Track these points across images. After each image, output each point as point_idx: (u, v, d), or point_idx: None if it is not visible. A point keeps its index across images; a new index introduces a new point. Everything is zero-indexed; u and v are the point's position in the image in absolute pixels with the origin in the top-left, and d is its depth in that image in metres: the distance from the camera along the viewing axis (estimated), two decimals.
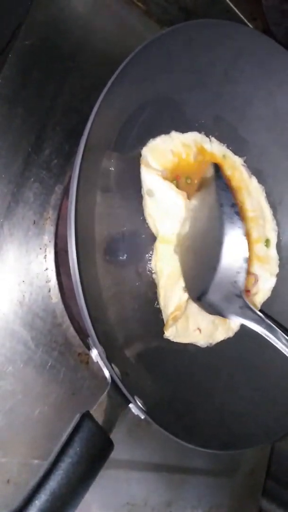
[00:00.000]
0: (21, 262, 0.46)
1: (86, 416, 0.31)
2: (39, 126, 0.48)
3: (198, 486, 0.59)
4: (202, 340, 0.56)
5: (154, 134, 0.50)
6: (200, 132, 0.55)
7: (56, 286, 0.47)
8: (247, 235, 0.59)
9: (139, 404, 0.37)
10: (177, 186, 0.51)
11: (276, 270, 0.62)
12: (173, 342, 0.52)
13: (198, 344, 0.55)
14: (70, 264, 0.33)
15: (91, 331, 0.32)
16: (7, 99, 0.46)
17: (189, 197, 0.51)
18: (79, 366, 0.48)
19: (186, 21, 0.51)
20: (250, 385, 0.52)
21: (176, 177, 0.51)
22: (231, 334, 0.58)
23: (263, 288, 0.61)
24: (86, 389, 0.48)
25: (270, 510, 0.71)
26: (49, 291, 0.47)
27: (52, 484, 0.28)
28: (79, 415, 0.31)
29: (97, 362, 0.35)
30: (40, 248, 0.47)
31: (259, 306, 0.61)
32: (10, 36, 0.56)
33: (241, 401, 0.50)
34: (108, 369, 0.34)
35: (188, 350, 0.53)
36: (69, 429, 0.31)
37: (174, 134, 0.52)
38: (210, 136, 0.56)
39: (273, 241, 0.63)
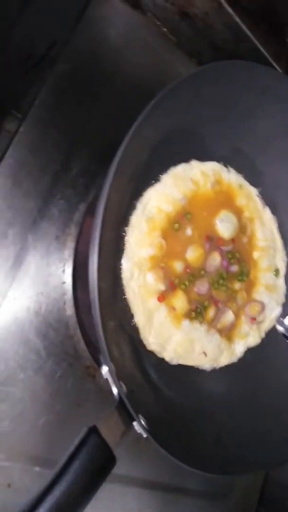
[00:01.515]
0: (41, 275, 0.48)
1: (93, 430, 0.33)
2: (69, 147, 0.51)
3: (191, 507, 0.60)
4: (207, 363, 0.57)
5: (175, 162, 0.53)
6: (219, 162, 0.57)
7: (71, 300, 0.50)
8: (256, 263, 0.62)
9: (143, 423, 0.39)
10: (179, 228, 0.53)
11: (283, 299, 0.64)
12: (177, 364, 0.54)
13: (203, 368, 0.57)
14: (90, 280, 0.35)
15: (104, 348, 0.34)
16: (42, 120, 0.49)
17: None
18: (86, 379, 0.50)
19: (215, 60, 0.54)
20: (250, 413, 0.53)
21: (180, 219, 0.53)
22: (235, 360, 0.60)
23: (269, 316, 0.63)
24: (91, 402, 0.49)
25: None
26: (65, 303, 0.49)
27: (57, 493, 0.30)
28: (86, 429, 0.33)
29: (106, 378, 0.37)
30: (60, 262, 0.49)
31: (263, 334, 0.63)
32: (45, 53, 0.60)
33: (240, 428, 0.51)
34: (117, 386, 0.36)
35: (191, 373, 0.55)
36: (75, 441, 0.33)
37: (194, 163, 0.54)
38: (228, 166, 0.58)
39: (282, 271, 0.64)
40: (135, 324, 0.51)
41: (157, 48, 0.59)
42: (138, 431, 0.39)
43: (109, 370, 0.36)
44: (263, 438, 0.51)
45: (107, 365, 0.36)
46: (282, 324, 0.63)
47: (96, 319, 0.35)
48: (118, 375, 0.38)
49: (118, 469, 0.53)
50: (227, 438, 0.49)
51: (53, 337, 0.48)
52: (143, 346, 0.51)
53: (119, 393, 0.36)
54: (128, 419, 0.37)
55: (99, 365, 0.42)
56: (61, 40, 0.54)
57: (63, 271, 0.49)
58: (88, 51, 0.53)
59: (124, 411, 0.37)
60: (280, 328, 0.63)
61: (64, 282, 0.49)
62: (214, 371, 0.57)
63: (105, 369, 0.37)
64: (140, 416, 0.39)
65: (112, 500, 0.53)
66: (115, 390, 0.36)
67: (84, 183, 0.51)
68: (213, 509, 0.63)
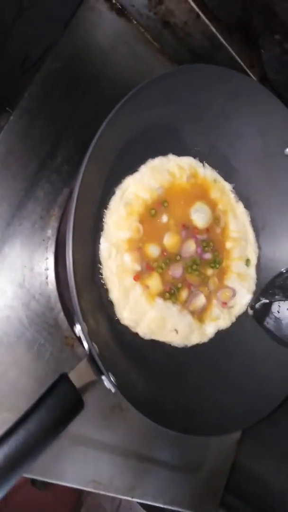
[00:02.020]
0: (26, 250, 0.53)
1: (63, 376, 0.38)
2: (55, 137, 0.56)
3: (162, 478, 0.64)
4: (178, 340, 0.62)
5: (153, 155, 0.58)
6: (195, 158, 0.62)
7: (53, 275, 0.54)
8: (228, 253, 0.67)
9: (112, 379, 0.43)
10: (155, 214, 0.58)
11: (253, 288, 0.69)
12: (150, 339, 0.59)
13: (174, 344, 0.62)
14: (66, 250, 0.39)
15: (77, 308, 0.39)
16: (30, 111, 0.54)
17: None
18: (65, 348, 0.55)
19: (191, 63, 0.60)
20: (214, 386, 0.58)
21: (157, 206, 0.58)
22: (205, 340, 0.65)
23: (240, 302, 0.68)
24: (69, 369, 0.54)
25: None
26: (47, 278, 0.54)
27: (28, 425, 0.34)
28: (58, 375, 0.38)
29: (79, 336, 0.42)
30: (44, 240, 0.54)
31: (234, 318, 0.67)
32: (40, 56, 0.65)
33: (205, 397, 0.56)
34: (87, 342, 0.40)
35: (164, 346, 0.59)
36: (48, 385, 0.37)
37: (171, 157, 0.59)
38: (204, 162, 0.63)
39: (253, 261, 0.69)
40: (111, 299, 0.55)
41: (141, 53, 0.65)
42: (108, 387, 0.43)
43: (81, 328, 0.40)
44: (223, 408, 0.55)
45: (80, 323, 0.40)
46: (253, 308, 0.68)
47: (70, 282, 0.39)
48: (90, 335, 0.43)
49: (93, 434, 0.58)
50: (193, 405, 0.54)
51: (35, 308, 0.53)
52: (118, 320, 0.56)
53: (89, 348, 0.40)
54: (98, 371, 0.41)
55: (74, 326, 0.46)
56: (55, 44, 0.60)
57: (46, 248, 0.54)
58: (76, 52, 0.59)
59: (95, 365, 0.41)
60: (250, 312, 0.67)
61: (47, 258, 0.54)
62: (185, 348, 0.62)
63: (78, 328, 0.41)
64: (110, 373, 0.44)
65: (85, 463, 0.57)
66: (86, 345, 0.40)
67: (68, 170, 0.56)
68: (183, 483, 0.67)
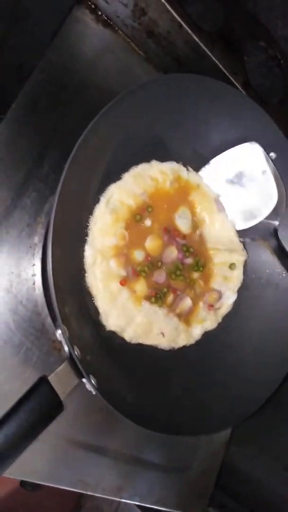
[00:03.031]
0: (13, 257, 0.54)
1: (43, 379, 0.39)
2: (42, 146, 0.57)
3: (149, 478, 0.65)
4: (165, 343, 0.63)
5: (137, 162, 0.59)
6: (178, 162, 0.64)
7: (40, 280, 0.56)
8: (211, 257, 0.68)
9: (93, 382, 0.45)
10: (140, 219, 0.60)
11: (238, 286, 0.70)
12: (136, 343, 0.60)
13: (161, 347, 0.63)
14: (47, 256, 0.41)
15: (57, 312, 0.40)
16: (18, 121, 0.56)
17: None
18: (52, 352, 0.56)
19: (176, 71, 0.62)
20: (199, 387, 0.59)
21: (142, 212, 0.60)
22: (192, 341, 0.66)
23: (226, 303, 0.69)
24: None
25: None
26: (34, 283, 0.55)
27: (6, 428, 0.35)
28: (38, 378, 0.39)
29: (61, 341, 0.43)
30: (30, 247, 0.56)
31: (220, 319, 0.68)
32: (34, 65, 0.67)
33: (189, 398, 0.57)
34: (67, 346, 0.42)
35: (150, 349, 0.61)
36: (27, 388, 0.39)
37: (154, 163, 0.61)
38: (188, 166, 0.65)
39: (238, 264, 0.70)
40: (96, 306, 0.57)
41: (126, 62, 0.67)
42: (88, 389, 0.45)
43: (61, 332, 0.42)
44: (211, 408, 0.56)
45: (60, 327, 0.42)
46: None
47: (50, 287, 0.41)
48: (72, 340, 0.44)
49: (81, 436, 0.59)
50: (178, 406, 0.55)
51: (23, 313, 0.54)
52: (103, 326, 0.57)
53: (69, 352, 0.42)
54: (79, 374, 0.42)
55: (56, 330, 0.48)
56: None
57: (33, 254, 0.56)
58: (63, 63, 0.61)
59: (76, 368, 0.42)
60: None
61: (34, 265, 0.55)
62: (172, 351, 0.63)
63: (58, 332, 0.43)
64: (91, 376, 0.45)
65: (73, 466, 0.58)
66: (66, 349, 0.42)
67: (54, 179, 0.58)
68: (171, 483, 0.68)
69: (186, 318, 0.65)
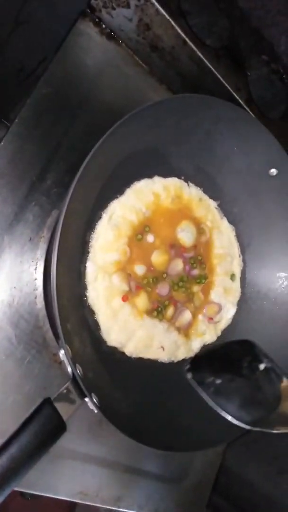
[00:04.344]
0: (15, 271, 0.55)
1: (47, 400, 0.40)
2: (45, 160, 0.58)
3: (147, 488, 0.66)
4: (165, 356, 0.64)
5: (139, 178, 0.60)
6: (179, 178, 0.64)
7: (42, 295, 0.56)
8: (213, 269, 0.69)
9: (95, 400, 0.45)
10: (142, 239, 0.60)
11: (237, 300, 0.71)
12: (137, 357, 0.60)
13: (161, 360, 0.63)
14: (51, 276, 0.41)
15: (60, 332, 0.41)
16: (21, 136, 0.56)
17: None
18: (53, 365, 0.57)
19: (183, 87, 0.62)
20: (196, 402, 0.59)
21: (142, 230, 0.60)
22: (191, 354, 0.66)
23: (226, 316, 0.70)
24: (57, 386, 0.55)
25: None
26: (35, 297, 0.56)
27: (11, 450, 0.36)
28: (41, 400, 0.40)
29: (63, 360, 0.44)
30: (33, 261, 0.56)
31: (220, 333, 0.69)
32: (34, 68, 0.67)
33: (187, 413, 0.57)
34: (71, 366, 0.42)
35: (150, 364, 0.61)
36: (31, 410, 0.39)
37: (156, 179, 0.61)
38: (189, 182, 0.65)
39: (238, 275, 0.71)
40: (97, 322, 0.57)
41: (130, 75, 0.67)
42: (91, 407, 0.45)
43: (65, 352, 0.42)
44: (207, 423, 0.57)
45: (63, 347, 0.42)
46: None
47: (54, 306, 0.41)
48: (74, 359, 0.45)
49: (80, 447, 0.60)
50: (176, 422, 0.56)
51: (24, 327, 0.55)
52: (104, 341, 0.57)
53: (72, 372, 0.42)
54: (82, 395, 0.43)
55: (59, 350, 0.48)
56: (50, 56, 0.62)
57: (35, 269, 0.56)
58: (67, 77, 0.61)
59: (79, 388, 0.43)
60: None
61: (36, 279, 0.56)
62: (171, 364, 0.64)
63: (61, 352, 0.43)
64: (93, 394, 0.46)
65: (73, 476, 0.59)
66: (69, 369, 0.42)
67: (57, 193, 0.58)
68: (169, 492, 0.69)
69: (185, 331, 0.66)
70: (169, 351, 0.64)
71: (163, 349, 0.63)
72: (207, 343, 0.68)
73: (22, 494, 0.60)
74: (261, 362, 0.51)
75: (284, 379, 0.48)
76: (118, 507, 0.63)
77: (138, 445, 0.65)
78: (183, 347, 0.65)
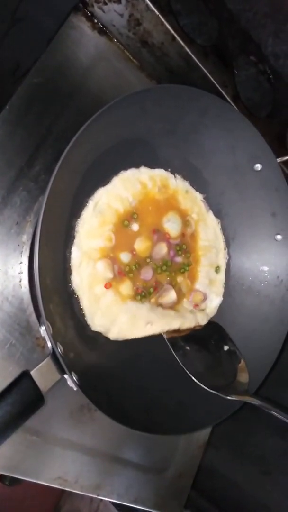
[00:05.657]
0: (1, 254, 0.55)
1: (25, 373, 0.40)
2: (34, 147, 0.59)
3: (128, 477, 0.66)
4: (157, 329, 0.62)
5: (126, 167, 0.61)
6: (166, 170, 0.66)
7: (27, 278, 0.57)
8: (198, 260, 0.70)
9: (74, 378, 0.46)
10: (128, 225, 0.61)
11: (222, 291, 0.72)
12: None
13: (154, 334, 0.62)
14: (34, 254, 0.42)
15: (41, 308, 0.42)
16: (10, 122, 0.57)
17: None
18: (35, 348, 0.57)
19: (168, 80, 0.63)
20: (178, 387, 0.60)
21: (129, 217, 0.61)
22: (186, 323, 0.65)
23: (210, 305, 0.71)
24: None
25: None
26: (20, 281, 0.56)
27: None
28: (20, 372, 0.40)
29: (44, 337, 0.44)
30: (19, 245, 0.57)
31: (206, 320, 0.70)
32: (30, 66, 0.69)
33: (168, 397, 0.58)
34: (50, 342, 0.43)
35: (134, 347, 0.62)
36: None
37: (143, 169, 0.62)
38: (175, 174, 0.66)
39: (223, 268, 0.73)
40: (81, 306, 0.58)
41: (121, 69, 0.68)
42: (70, 385, 0.46)
43: (45, 328, 0.43)
44: (188, 408, 0.58)
45: (44, 324, 0.43)
46: None
47: (36, 283, 0.42)
48: (55, 337, 0.46)
49: (60, 432, 0.60)
50: (157, 405, 0.57)
51: (8, 309, 0.55)
52: (89, 327, 0.58)
53: (52, 348, 0.43)
54: (61, 370, 0.44)
55: (40, 327, 0.49)
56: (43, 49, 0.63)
57: (21, 252, 0.57)
58: (58, 68, 0.62)
59: (58, 363, 0.44)
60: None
61: (21, 262, 0.57)
62: (154, 351, 0.64)
63: (42, 328, 0.44)
64: (73, 373, 0.46)
65: (52, 461, 0.59)
66: (49, 345, 0.43)
67: (45, 179, 0.59)
68: (149, 483, 0.69)
69: (172, 307, 0.66)
70: (159, 324, 0.62)
71: (151, 324, 0.62)
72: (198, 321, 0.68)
73: (1, 478, 0.60)
74: (225, 344, 0.62)
75: (242, 361, 0.60)
76: (97, 495, 0.63)
77: (119, 433, 0.65)
78: (174, 318, 0.64)
